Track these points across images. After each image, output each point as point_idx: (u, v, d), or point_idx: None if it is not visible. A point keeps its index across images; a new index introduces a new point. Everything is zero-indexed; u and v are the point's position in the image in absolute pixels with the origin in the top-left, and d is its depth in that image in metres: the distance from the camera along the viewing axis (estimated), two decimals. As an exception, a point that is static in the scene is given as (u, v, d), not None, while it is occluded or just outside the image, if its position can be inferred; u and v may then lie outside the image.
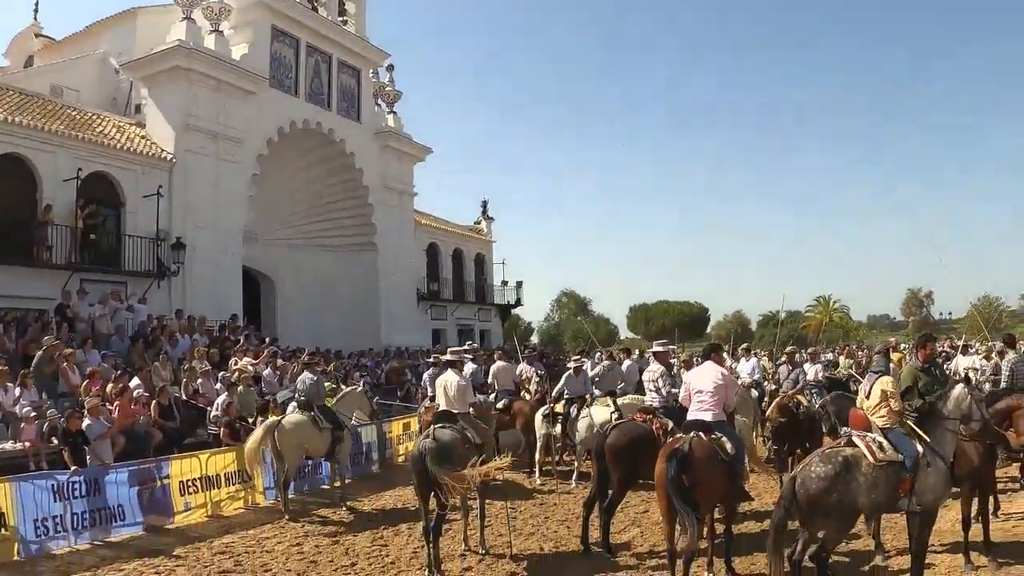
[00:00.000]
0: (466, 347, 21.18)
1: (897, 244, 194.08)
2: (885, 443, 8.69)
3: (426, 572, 10.73)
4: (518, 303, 52.84)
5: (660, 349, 13.49)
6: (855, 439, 8.87)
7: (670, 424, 11.67)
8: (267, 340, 26.85)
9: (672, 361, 14.64)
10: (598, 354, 23.57)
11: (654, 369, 12.85)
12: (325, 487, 17.30)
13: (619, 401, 16.94)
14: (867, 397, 9.25)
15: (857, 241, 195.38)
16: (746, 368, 20.43)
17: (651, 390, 12.68)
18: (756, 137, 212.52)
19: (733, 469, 9.76)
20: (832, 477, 8.43)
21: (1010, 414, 10.96)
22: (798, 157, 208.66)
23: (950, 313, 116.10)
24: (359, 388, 18.70)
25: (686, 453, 9.40)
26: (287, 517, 14.53)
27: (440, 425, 11.42)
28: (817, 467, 8.54)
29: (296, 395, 16.43)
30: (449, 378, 12.27)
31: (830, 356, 26.17)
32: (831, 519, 8.52)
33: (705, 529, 10.03)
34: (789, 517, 8.67)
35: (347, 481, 16.89)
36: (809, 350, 16.98)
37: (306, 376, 16.26)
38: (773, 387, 18.43)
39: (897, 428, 8.87)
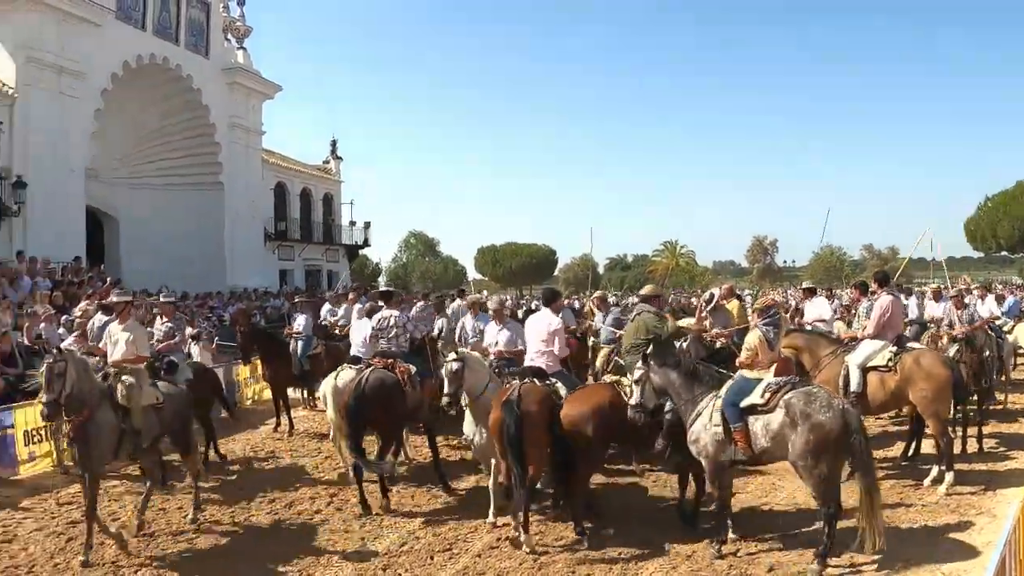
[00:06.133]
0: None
1: (745, 192, 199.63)
2: None
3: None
4: (366, 244, 52.80)
5: (386, 290, 13.65)
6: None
7: (413, 369, 12.06)
8: (109, 281, 26.47)
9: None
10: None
11: (387, 315, 12.68)
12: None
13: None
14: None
15: (706, 188, 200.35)
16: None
17: (385, 336, 12.52)
18: (608, 82, 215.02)
19: None
20: None
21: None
22: (649, 102, 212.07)
23: (794, 261, 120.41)
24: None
25: (517, 400, 9.70)
26: None
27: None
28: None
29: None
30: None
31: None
32: None
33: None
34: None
35: None
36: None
37: (96, 319, 14.95)
38: None
39: None
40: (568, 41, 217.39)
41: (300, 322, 18.65)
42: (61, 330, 18.68)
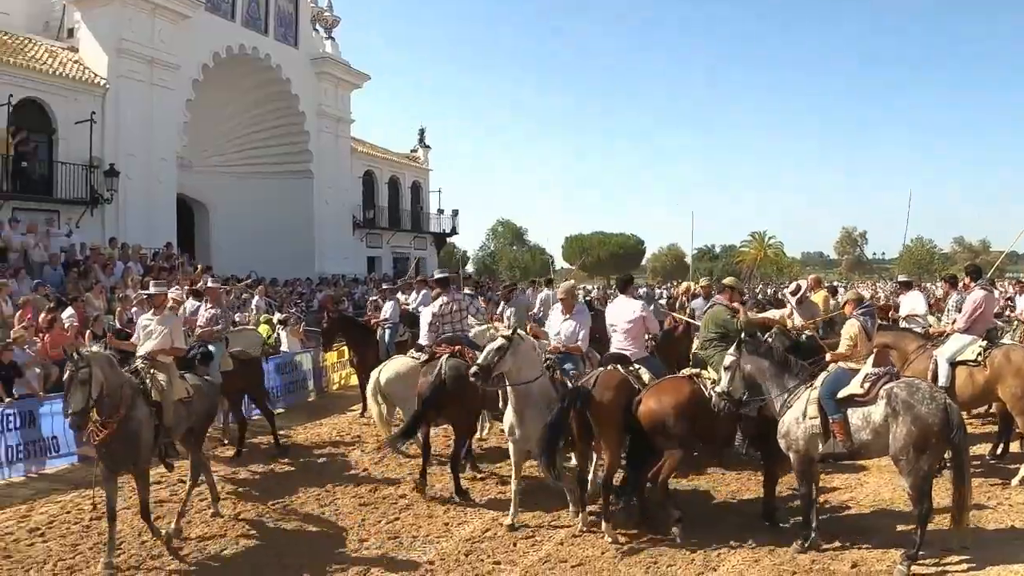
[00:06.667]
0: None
1: (833, 184, 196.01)
2: None
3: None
4: (454, 232, 52.73)
5: (442, 275, 13.31)
6: None
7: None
8: (200, 267, 26.87)
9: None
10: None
11: (447, 300, 12.69)
12: (256, 417, 17.58)
13: None
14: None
15: (793, 179, 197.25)
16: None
17: (450, 320, 12.53)
18: (690, 73, 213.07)
19: None
20: None
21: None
22: (738, 97, 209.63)
23: (883, 253, 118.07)
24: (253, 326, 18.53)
25: (587, 391, 9.65)
26: None
27: None
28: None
29: None
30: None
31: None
32: None
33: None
34: None
35: (229, 419, 15.90)
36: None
37: (188, 304, 15.83)
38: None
39: None
40: (649, 30, 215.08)
41: (387, 309, 18.66)
42: (151, 313, 18.92)
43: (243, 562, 9.22)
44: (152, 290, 11.08)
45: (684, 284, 19.28)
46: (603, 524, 9.56)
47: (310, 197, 38.61)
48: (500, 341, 9.68)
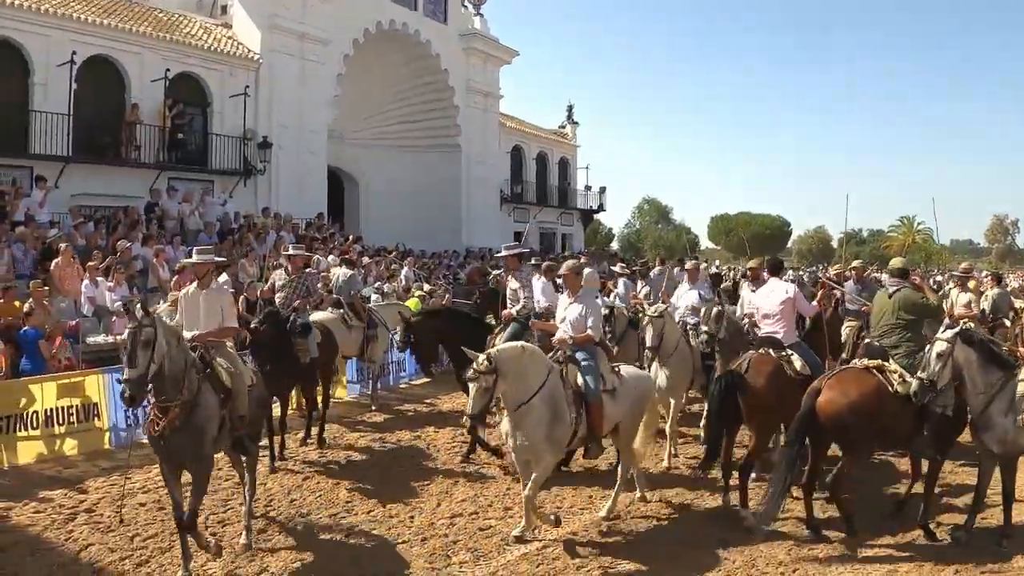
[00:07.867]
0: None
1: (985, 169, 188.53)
2: None
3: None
4: (600, 209, 52.29)
5: (508, 253, 12.51)
6: None
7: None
8: (351, 238, 27.25)
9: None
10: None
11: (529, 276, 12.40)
12: (403, 386, 17.66)
13: None
14: None
15: (943, 163, 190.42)
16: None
17: (521, 298, 11.96)
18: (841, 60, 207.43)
19: (805, 388, 9.05)
20: None
21: None
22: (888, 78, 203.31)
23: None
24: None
25: (740, 373, 9.52)
26: None
27: None
28: None
29: (332, 292, 15.79)
30: None
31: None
32: None
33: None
34: None
35: (378, 385, 16.53)
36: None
37: (340, 272, 15.74)
38: None
39: None
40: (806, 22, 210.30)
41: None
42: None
43: (391, 524, 9.37)
44: (195, 259, 8.94)
45: (835, 267, 18.47)
46: (740, 509, 9.48)
47: (458, 171, 38.79)
48: (483, 379, 8.25)
